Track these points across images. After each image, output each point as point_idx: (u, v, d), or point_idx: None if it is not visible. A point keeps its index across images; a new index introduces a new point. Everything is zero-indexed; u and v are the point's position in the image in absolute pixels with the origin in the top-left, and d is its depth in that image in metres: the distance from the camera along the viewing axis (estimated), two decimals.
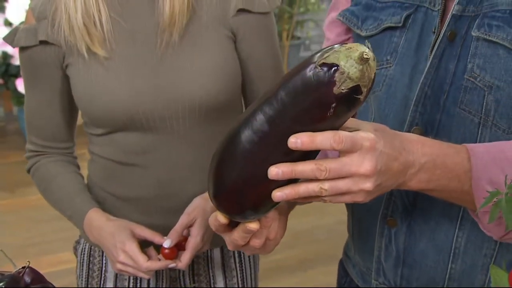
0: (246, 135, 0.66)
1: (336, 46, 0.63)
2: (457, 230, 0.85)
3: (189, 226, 1.08)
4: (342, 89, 0.61)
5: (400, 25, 0.86)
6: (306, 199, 0.69)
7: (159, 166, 1.12)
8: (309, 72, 0.63)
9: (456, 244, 0.86)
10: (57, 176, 1.17)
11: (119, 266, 1.06)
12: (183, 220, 1.07)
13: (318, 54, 0.64)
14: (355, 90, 0.62)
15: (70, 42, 1.06)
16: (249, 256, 1.27)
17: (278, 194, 0.67)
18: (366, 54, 0.61)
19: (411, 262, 0.90)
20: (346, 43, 0.63)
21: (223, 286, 1.24)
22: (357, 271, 1.02)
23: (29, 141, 1.20)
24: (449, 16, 0.80)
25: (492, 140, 0.80)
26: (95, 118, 1.11)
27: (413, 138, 0.73)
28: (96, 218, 1.10)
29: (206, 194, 1.10)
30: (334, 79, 0.61)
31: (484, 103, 0.79)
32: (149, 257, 1.05)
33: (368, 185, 0.67)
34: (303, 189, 0.67)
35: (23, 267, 0.78)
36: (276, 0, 1.13)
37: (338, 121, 0.65)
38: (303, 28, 5.39)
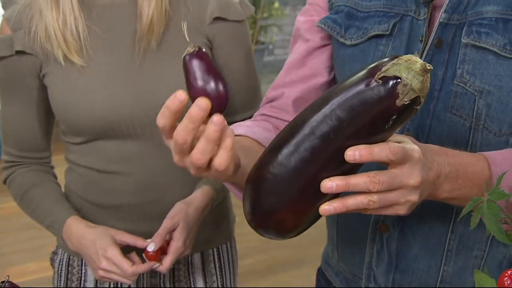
0: (297, 153, 0.65)
1: (387, 60, 0.63)
2: (449, 233, 0.87)
3: (172, 230, 1.08)
4: (405, 101, 0.62)
5: (387, 33, 0.87)
6: (349, 211, 0.67)
7: (140, 173, 1.13)
8: (368, 86, 0.62)
9: (448, 247, 0.88)
10: (34, 186, 1.16)
11: (101, 273, 1.05)
12: (166, 224, 1.07)
13: (371, 68, 0.63)
14: (415, 101, 0.63)
15: (47, 50, 1.06)
16: (228, 260, 1.28)
17: (326, 208, 0.65)
18: (428, 66, 0.62)
19: (403, 267, 0.91)
20: (398, 55, 0.64)
21: None
22: (341, 279, 1.02)
23: (5, 152, 1.19)
24: (436, 24, 0.83)
25: (483, 143, 0.82)
26: (74, 127, 1.10)
27: (436, 148, 0.73)
28: (75, 225, 1.10)
29: (188, 199, 1.11)
30: (397, 91, 0.62)
31: (475, 108, 0.81)
32: (133, 262, 1.05)
33: (415, 196, 0.67)
34: (351, 201, 0.65)
35: (3, 282, 0.77)
36: (250, 8, 1.16)
37: (391, 133, 0.66)
38: (266, 33, 5.44)
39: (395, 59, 0.63)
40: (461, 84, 0.81)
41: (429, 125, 0.84)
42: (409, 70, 0.62)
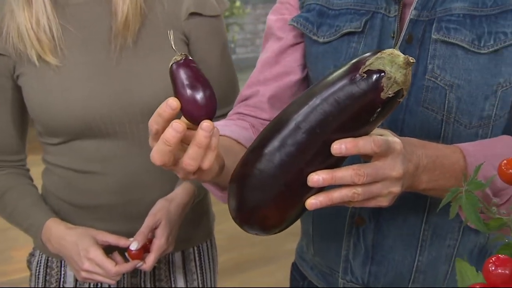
0: (284, 148, 0.66)
1: (370, 54, 0.65)
2: (423, 224, 0.90)
3: (154, 228, 1.08)
4: (389, 94, 0.64)
5: (359, 30, 0.90)
6: (334, 204, 0.68)
7: (119, 173, 1.12)
8: (353, 80, 0.64)
9: (423, 237, 0.91)
10: (10, 189, 1.15)
11: (84, 274, 1.05)
12: (148, 221, 1.07)
13: (354, 63, 0.65)
14: (398, 93, 0.65)
15: (20, 50, 1.05)
16: (208, 258, 1.29)
17: (312, 202, 0.67)
18: (411, 59, 0.64)
19: (379, 258, 0.93)
20: (379, 50, 0.65)
21: None
22: (317, 273, 1.04)
23: None
24: (407, 20, 0.86)
25: (455, 136, 0.86)
26: (51, 127, 1.09)
27: (414, 141, 0.76)
28: (55, 227, 1.09)
29: (169, 196, 1.11)
30: (382, 84, 0.63)
31: (446, 101, 0.84)
32: (116, 262, 1.05)
33: (397, 188, 0.69)
34: (336, 195, 0.67)
35: None
36: (225, 3, 1.17)
37: (375, 126, 0.67)
38: (228, 31, 5.44)
39: (378, 53, 0.64)
40: (432, 78, 0.84)
41: (402, 119, 0.87)
42: (393, 63, 0.64)
